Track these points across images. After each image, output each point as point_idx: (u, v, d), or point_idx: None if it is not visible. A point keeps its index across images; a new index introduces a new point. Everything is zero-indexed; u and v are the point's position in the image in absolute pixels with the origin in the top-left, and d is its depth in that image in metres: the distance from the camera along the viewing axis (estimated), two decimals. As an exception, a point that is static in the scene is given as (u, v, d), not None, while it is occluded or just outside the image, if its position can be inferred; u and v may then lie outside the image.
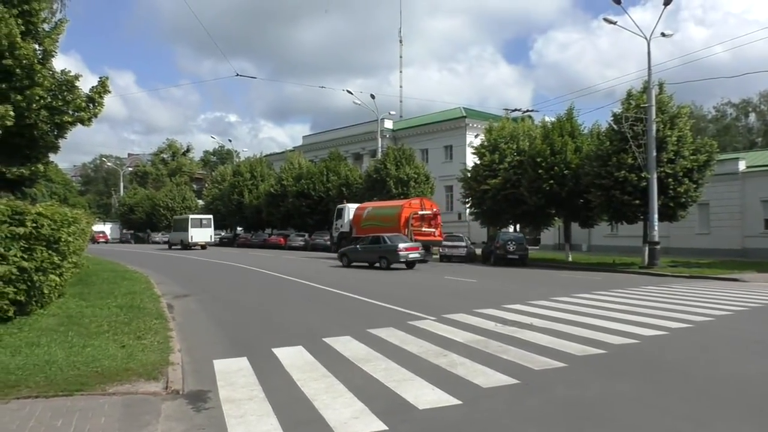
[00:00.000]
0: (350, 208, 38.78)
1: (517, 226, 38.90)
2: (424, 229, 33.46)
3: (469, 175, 37.10)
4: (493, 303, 13.67)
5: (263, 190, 58.55)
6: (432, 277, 22.32)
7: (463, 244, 34.16)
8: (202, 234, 50.87)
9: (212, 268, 27.05)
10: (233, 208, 62.88)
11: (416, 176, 44.12)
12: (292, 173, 55.04)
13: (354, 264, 27.98)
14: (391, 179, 43.31)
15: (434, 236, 33.96)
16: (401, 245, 26.18)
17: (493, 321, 11.08)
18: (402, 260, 26.08)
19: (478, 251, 34.62)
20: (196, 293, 16.49)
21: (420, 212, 33.62)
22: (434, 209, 34.66)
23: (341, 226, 38.93)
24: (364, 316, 12.07)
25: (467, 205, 39.18)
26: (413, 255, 26.35)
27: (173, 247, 52.38)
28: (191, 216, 52.72)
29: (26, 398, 5.86)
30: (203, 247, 50.00)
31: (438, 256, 34.38)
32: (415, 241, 30.01)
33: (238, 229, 66.50)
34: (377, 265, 26.71)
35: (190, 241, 49.65)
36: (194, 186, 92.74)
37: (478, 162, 36.51)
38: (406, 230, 32.46)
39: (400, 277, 22.00)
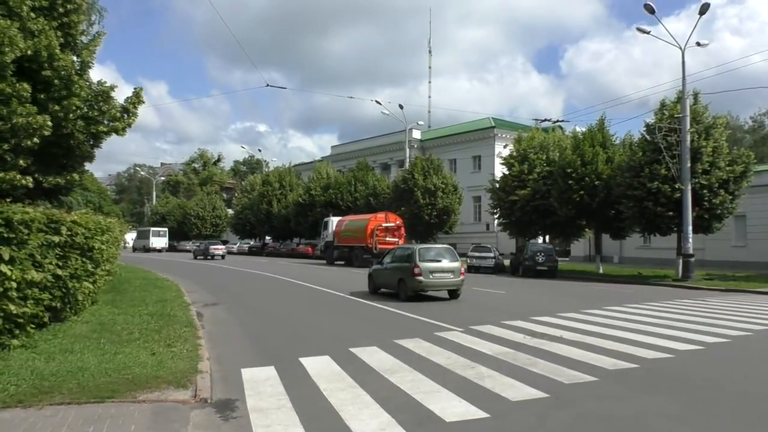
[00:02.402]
0: (333, 221, 43.53)
1: (547, 237, 38.50)
2: (387, 238, 37.78)
3: (497, 185, 36.94)
4: (521, 315, 13.51)
5: (292, 199, 59.08)
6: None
7: (491, 255, 34.03)
8: (159, 241, 73.75)
9: (241, 277, 27.30)
10: (262, 217, 63.60)
11: (444, 186, 44.12)
12: (320, 183, 55.40)
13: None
14: (419, 189, 43.36)
15: (397, 245, 35.80)
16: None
17: (522, 333, 10.94)
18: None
19: (507, 262, 34.39)
20: (225, 302, 16.63)
21: (384, 224, 37.99)
22: (397, 222, 38.92)
23: (326, 236, 43.58)
24: (390, 326, 12.03)
25: (495, 216, 38.98)
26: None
27: (136, 251, 69.74)
28: (152, 228, 76.10)
29: (59, 404, 5.95)
30: (160, 250, 69.90)
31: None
32: (381, 249, 35.11)
33: (267, 238, 67.16)
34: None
35: (150, 246, 71.72)
36: (224, 195, 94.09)
37: (507, 172, 36.34)
38: (372, 240, 37.35)
39: None
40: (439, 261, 17.51)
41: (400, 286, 17.31)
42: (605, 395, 6.82)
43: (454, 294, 17.72)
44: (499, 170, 39.58)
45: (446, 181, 44.75)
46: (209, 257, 50.43)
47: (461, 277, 17.47)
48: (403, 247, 19.73)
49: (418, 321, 12.63)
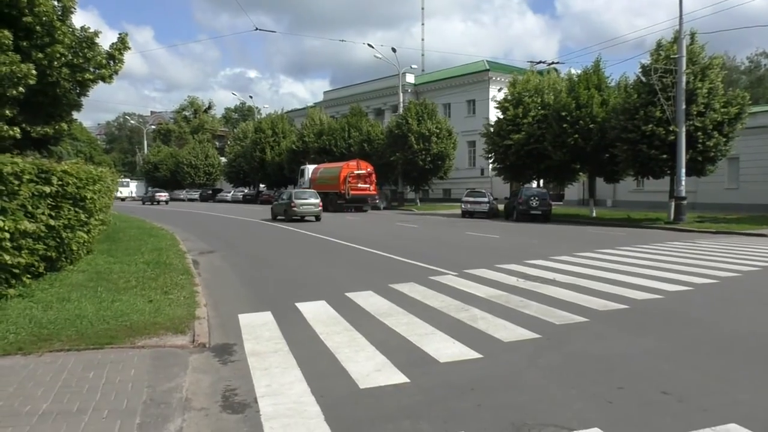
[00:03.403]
0: (309, 169, 45.17)
1: (541, 182, 38.60)
2: (359, 185, 40.42)
3: (492, 129, 36.73)
4: (515, 258, 13.66)
5: (285, 146, 58.72)
6: (454, 233, 22.35)
7: (486, 199, 34.18)
8: (126, 190, 79.13)
9: (236, 225, 27.40)
10: (255, 165, 63.26)
11: (438, 131, 43.89)
12: (314, 129, 54.95)
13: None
14: (413, 134, 43.12)
15: (369, 191, 41.14)
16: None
17: (515, 276, 11.08)
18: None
19: (501, 207, 34.59)
20: (220, 249, 16.72)
21: (356, 172, 40.26)
22: (368, 169, 41.15)
23: (303, 183, 44.60)
24: (385, 271, 12.16)
25: (490, 161, 38.91)
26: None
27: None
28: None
29: (59, 351, 6.05)
30: (123, 199, 72.04)
31: (410, 210, 34.42)
32: (353, 195, 39.71)
33: (261, 186, 67.11)
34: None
35: (118, 195, 70.34)
36: (216, 143, 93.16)
37: (502, 116, 36.08)
38: (344, 186, 39.77)
39: (420, 233, 22.09)
40: (307, 199, 29.83)
41: (285, 213, 29.58)
42: (595, 335, 6.97)
43: (317, 218, 29.60)
44: (494, 114, 39.25)
45: (440, 126, 44.49)
46: (155, 203, 62.07)
47: (319, 208, 30.01)
48: (287, 192, 32.22)
49: (413, 266, 12.76)
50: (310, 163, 47.10)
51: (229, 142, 77.36)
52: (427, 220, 31.27)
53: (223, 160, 77.70)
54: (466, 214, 33.85)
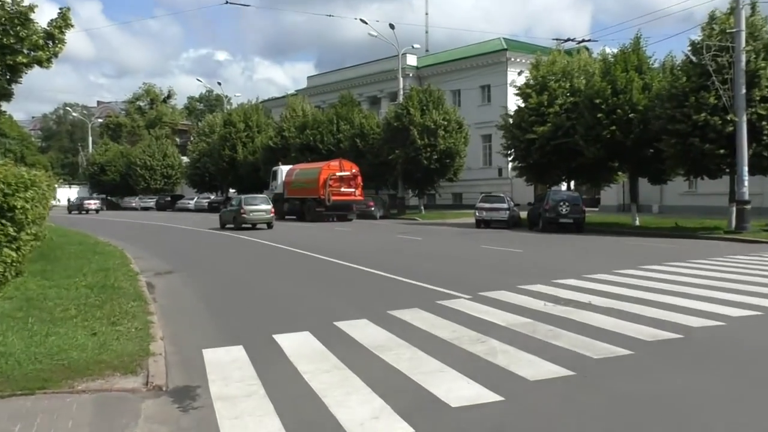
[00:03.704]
0: (283, 170, 46.65)
1: (572, 184, 38.63)
2: (342, 189, 41.71)
3: (511, 121, 36.90)
4: (541, 277, 13.63)
5: (260, 143, 59.00)
6: (466, 247, 22.36)
7: (505, 205, 34.28)
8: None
9: (200, 239, 27.43)
10: (224, 165, 63.58)
11: (446, 123, 44.16)
12: (295, 122, 55.16)
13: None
14: (416, 128, 43.30)
15: (354, 196, 42.61)
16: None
17: (542, 299, 11.04)
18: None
19: (524, 215, 34.68)
20: (181, 268, 16.67)
21: (338, 173, 41.64)
22: (353, 170, 42.49)
23: (275, 187, 46.62)
24: (383, 294, 12.15)
25: (509, 158, 39.04)
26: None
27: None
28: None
29: (-22, 397, 5.94)
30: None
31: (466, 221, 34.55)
32: (335, 201, 40.95)
33: (231, 191, 67.35)
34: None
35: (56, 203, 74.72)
36: (177, 140, 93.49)
37: (523, 105, 36.29)
38: (324, 191, 40.81)
39: (425, 248, 22.11)
40: (257, 205, 33.41)
41: (235, 220, 33.08)
42: (643, 372, 6.89)
43: (269, 226, 33.26)
44: (513, 103, 39.48)
45: (449, 117, 44.74)
46: (84, 212, 63.91)
47: (271, 215, 33.52)
48: (237, 197, 36.19)
49: (416, 287, 12.73)
50: (289, 164, 47.75)
51: (192, 139, 77.54)
52: (433, 232, 31.29)
53: (185, 160, 77.97)
54: (482, 224, 34.00)
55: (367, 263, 16.93)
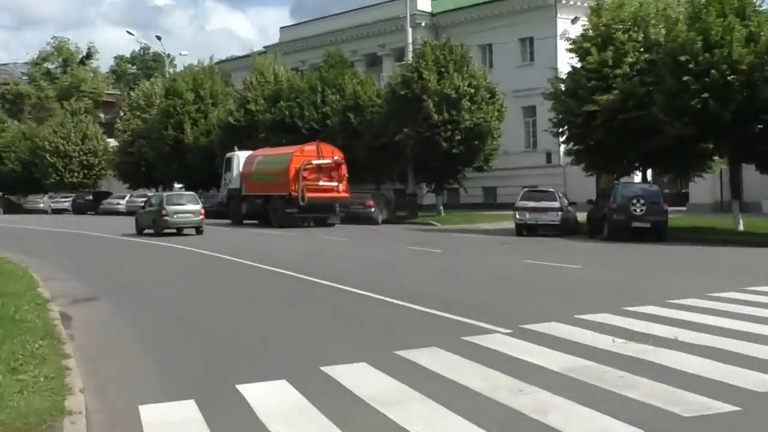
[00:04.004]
0: (240, 158, 47.45)
1: (648, 174, 38.50)
2: (322, 183, 41.89)
3: (563, 87, 36.86)
4: (608, 304, 13.58)
5: (217, 119, 59.17)
6: (503, 262, 22.31)
7: (556, 204, 34.19)
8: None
9: (135, 251, 27.38)
10: (167, 150, 63.79)
11: (473, 91, 44.11)
12: (264, 91, 55.31)
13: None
14: (431, 97, 43.26)
15: (337, 192, 42.74)
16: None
17: (610, 334, 10.96)
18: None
19: (582, 217, 34.67)
20: (108, 293, 16.60)
21: (316, 161, 41.88)
22: (336, 157, 42.87)
23: (229, 181, 47.92)
24: (388, 327, 12.11)
25: (561, 139, 38.94)
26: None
27: None
28: None
29: None
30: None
31: (514, 226, 34.67)
32: (311, 199, 40.59)
33: (177, 186, 67.40)
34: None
35: None
36: (101, 116, 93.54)
37: (579, 65, 36.14)
38: (296, 185, 40.74)
39: (446, 263, 22.11)
40: (183, 205, 35.26)
41: (155, 224, 34.66)
42: (755, 435, 6.81)
43: (198, 231, 35.56)
44: (566, 62, 39.37)
45: (476, 82, 44.69)
46: None
47: (201, 216, 35.51)
48: (157, 196, 37.78)
49: (434, 318, 12.66)
50: (250, 149, 47.89)
51: (122, 114, 77.48)
52: (456, 241, 31.24)
53: (113, 143, 78.01)
54: (524, 230, 33.99)
55: (365, 285, 16.83)
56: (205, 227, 36.72)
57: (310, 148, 42.74)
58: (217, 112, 59.88)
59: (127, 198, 68.78)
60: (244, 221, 44.65)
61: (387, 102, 46.96)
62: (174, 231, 33.88)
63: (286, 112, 52.11)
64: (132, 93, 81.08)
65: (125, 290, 17.37)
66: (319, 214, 42.15)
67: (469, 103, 43.73)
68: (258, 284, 18.29)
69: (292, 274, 19.57)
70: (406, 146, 44.73)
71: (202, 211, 35.62)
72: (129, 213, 64.90)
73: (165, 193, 38.78)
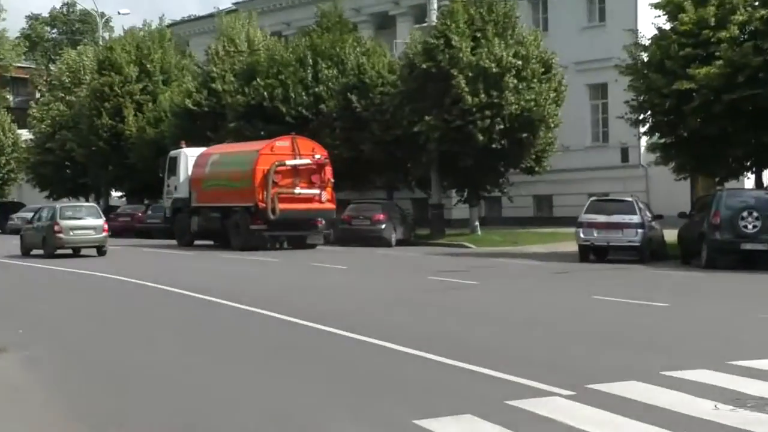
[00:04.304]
0: (189, 157, 48.15)
1: (765, 177, 38.35)
2: (299, 190, 42.49)
3: (645, 58, 36.82)
4: (706, 356, 13.58)
5: (169, 104, 59.47)
6: (561, 297, 22.26)
7: (635, 219, 34.15)
8: None
9: (57, 282, 27.37)
10: (101, 146, 64.08)
11: (520, 64, 44.23)
12: (234, 64, 55.37)
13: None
14: (463, 72, 43.25)
15: (319, 202, 43.32)
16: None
17: (711, 398, 10.95)
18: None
19: (671, 235, 34.68)
20: (22, 344, 16.58)
21: (290, 162, 42.44)
22: (316, 155, 43.42)
23: (175, 188, 48.56)
24: (404, 387, 12.05)
25: (642, 129, 38.91)
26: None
27: None
28: None
29: None
30: None
31: (576, 248, 34.62)
32: (284, 211, 41.01)
33: (115, 194, 67.43)
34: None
35: None
36: (9, 97, 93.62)
37: (668, 27, 36.06)
38: (264, 193, 41.10)
39: (481, 299, 22.11)
40: (82, 218, 37.22)
41: (45, 243, 36.65)
42: None
43: (101, 251, 37.50)
44: (650, 22, 39.50)
45: (526, 50, 44.84)
46: None
47: (104, 234, 37.27)
48: (48, 209, 39.12)
49: (467, 375, 12.59)
50: (205, 145, 48.78)
51: (39, 96, 77.50)
52: (498, 268, 31.19)
53: (26, 136, 78.02)
54: (590, 253, 34.22)
55: (372, 330, 16.74)
56: (146, 249, 36.74)
57: (282, 143, 43.28)
58: (170, 94, 60.06)
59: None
60: (195, 241, 45.26)
61: (403, 79, 47.11)
62: (70, 252, 35.22)
63: (265, 94, 52.22)
64: (52, 66, 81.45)
65: (46, 337, 17.38)
66: (295, 232, 42.64)
67: (515, 81, 43.80)
68: (218, 328, 18.12)
69: (267, 312, 19.49)
70: (428, 140, 44.89)
71: (106, 226, 37.08)
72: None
73: (58, 205, 39.89)
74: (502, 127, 43.66)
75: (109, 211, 63.44)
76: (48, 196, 72.69)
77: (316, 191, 42.59)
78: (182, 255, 34.93)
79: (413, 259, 36.73)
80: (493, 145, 43.90)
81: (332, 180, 43.30)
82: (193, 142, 51.13)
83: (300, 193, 42.15)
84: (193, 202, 45.80)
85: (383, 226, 45.10)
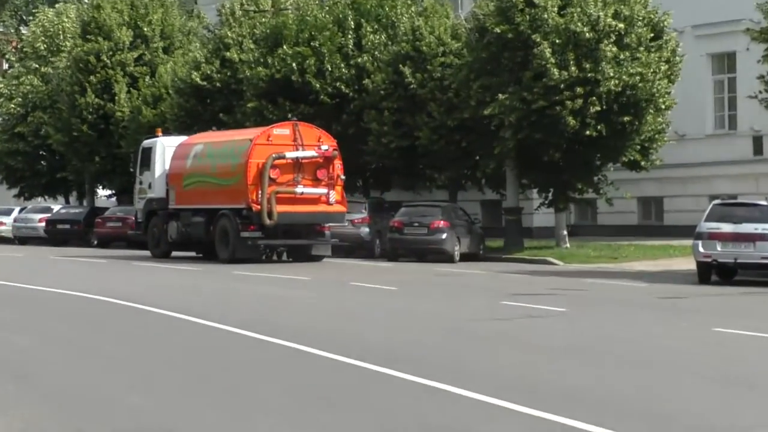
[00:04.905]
0: (166, 147, 49.26)
1: None
2: (300, 189, 43.23)
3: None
4: None
5: (171, 78, 59.92)
6: (673, 331, 22.24)
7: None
8: None
9: (22, 305, 27.33)
10: (86, 132, 64.77)
11: (622, 27, 44.00)
12: (255, 28, 55.42)
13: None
14: (548, 38, 43.12)
15: (326, 203, 44.12)
16: None
17: None
18: None
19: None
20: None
21: (291, 154, 43.36)
22: (323, 145, 44.21)
23: (149, 186, 49.50)
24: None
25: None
26: None
27: None
28: None
29: None
30: None
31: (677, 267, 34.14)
32: (283, 213, 41.73)
33: (101, 193, 67.80)
34: None
35: None
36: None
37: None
38: (259, 191, 41.76)
39: (568, 330, 22.06)
40: None
41: None
42: None
43: None
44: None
45: (629, 10, 44.66)
46: None
47: None
48: None
49: (549, 426, 12.20)
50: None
51: (7, 68, 78.24)
52: (592, 292, 31.32)
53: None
54: (711, 271, 33.93)
55: (430, 369, 16.37)
56: (138, 263, 36.85)
57: (281, 131, 44.00)
58: (173, 65, 60.55)
59: (14, 215, 69.14)
60: (173, 252, 45.98)
61: (470, 48, 47.09)
62: None
63: (293, 65, 52.42)
64: (23, 30, 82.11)
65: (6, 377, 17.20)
66: (296, 241, 43.30)
67: (614, 49, 43.75)
68: (251, 367, 17.96)
69: (313, 351, 19.21)
70: (502, 125, 44.91)
71: None
72: (19, 239, 65.47)
73: None
74: (598, 108, 43.57)
75: (94, 214, 64.20)
76: (18, 196, 72.98)
77: (323, 190, 42.96)
78: (185, 271, 35.11)
79: (482, 278, 36.80)
80: (587, 132, 43.83)
81: (342, 177, 43.70)
82: (200, 127, 51.37)
83: (303, 193, 42.59)
84: (170, 203, 46.42)
85: (444, 235, 44.61)
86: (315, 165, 42.73)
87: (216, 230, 43.06)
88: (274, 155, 41.64)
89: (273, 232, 41.93)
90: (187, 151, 46.03)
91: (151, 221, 47.72)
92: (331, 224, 43.89)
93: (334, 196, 42.91)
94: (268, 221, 41.01)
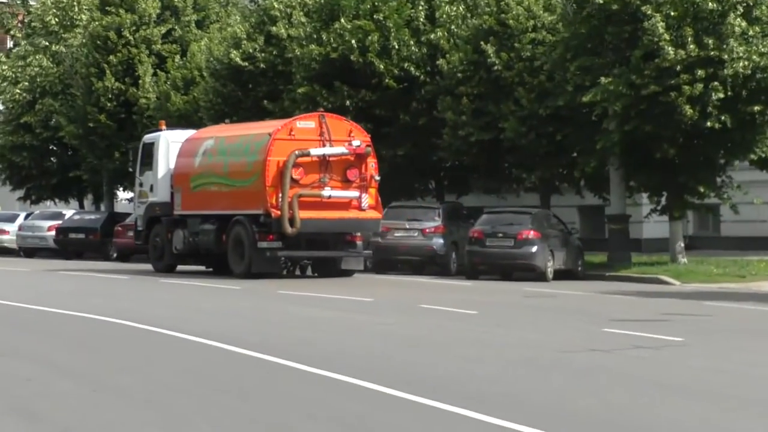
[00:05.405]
0: (171, 143, 50.02)
1: None
2: (327, 191, 43.76)
3: None
4: None
5: (206, 59, 60.25)
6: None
7: None
8: None
9: (34, 329, 27.62)
10: (105, 123, 65.49)
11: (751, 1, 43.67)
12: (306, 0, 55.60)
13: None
14: (660, 10, 43.29)
15: (358, 209, 44.80)
16: None
17: None
18: None
19: None
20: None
21: (316, 151, 44.04)
22: (354, 141, 44.63)
23: (150, 189, 50.38)
24: None
25: None
26: None
27: None
28: None
29: None
30: None
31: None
32: (306, 221, 42.28)
33: (121, 196, 68.17)
34: None
35: None
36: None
37: None
38: (280, 195, 42.32)
39: (683, 363, 21.81)
40: None
41: None
42: None
43: None
44: None
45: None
46: None
47: None
48: None
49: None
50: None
51: (12, 45, 78.93)
52: (716, 317, 31.36)
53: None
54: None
55: (519, 411, 16.44)
56: (165, 281, 37.08)
57: (305, 124, 44.57)
58: (208, 42, 60.87)
59: (18, 222, 69.58)
60: (179, 265, 46.70)
61: (566, 22, 47.12)
62: None
63: (353, 42, 52.69)
64: (31, 1, 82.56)
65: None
66: (323, 252, 43.73)
67: (743, 23, 43.55)
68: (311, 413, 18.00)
69: (380, 388, 19.22)
70: (605, 115, 45.04)
71: None
72: (24, 251, 65.92)
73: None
74: (722, 95, 43.41)
75: (113, 221, 64.48)
76: (23, 199, 73.39)
77: (354, 193, 43.19)
78: (221, 290, 35.27)
79: (580, 300, 36.80)
80: (708, 124, 43.72)
81: (377, 177, 43.76)
82: (240, 117, 51.47)
83: (330, 196, 42.73)
84: (176, 208, 46.59)
85: (534, 248, 44.58)
86: (345, 164, 42.87)
87: (229, 240, 43.33)
88: (297, 152, 41.82)
89: (295, 243, 42.37)
90: (196, 148, 46.32)
91: (153, 230, 47.77)
92: (364, 233, 44.09)
93: (367, 199, 42.98)
94: (289, 229, 41.16)
